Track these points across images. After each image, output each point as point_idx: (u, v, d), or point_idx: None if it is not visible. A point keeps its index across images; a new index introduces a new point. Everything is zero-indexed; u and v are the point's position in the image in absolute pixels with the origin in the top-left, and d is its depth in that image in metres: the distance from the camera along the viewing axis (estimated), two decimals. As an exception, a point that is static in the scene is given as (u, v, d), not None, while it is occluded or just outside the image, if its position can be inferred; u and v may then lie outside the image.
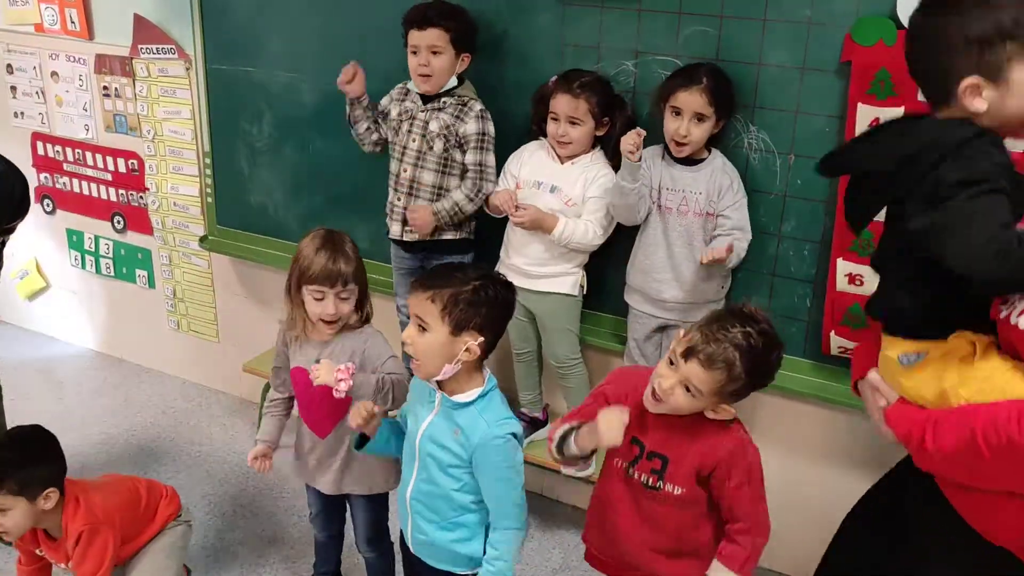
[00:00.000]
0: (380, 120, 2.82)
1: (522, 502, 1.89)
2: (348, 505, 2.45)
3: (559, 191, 2.59)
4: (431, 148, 2.68)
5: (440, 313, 1.78)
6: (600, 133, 2.56)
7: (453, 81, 2.65)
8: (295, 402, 2.39)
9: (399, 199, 2.77)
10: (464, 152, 2.67)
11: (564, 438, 1.89)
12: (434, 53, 2.58)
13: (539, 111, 2.60)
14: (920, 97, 1.62)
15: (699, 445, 1.82)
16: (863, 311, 1.90)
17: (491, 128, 2.66)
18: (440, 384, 1.88)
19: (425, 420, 1.91)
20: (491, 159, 2.67)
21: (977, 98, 1.42)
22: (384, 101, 2.81)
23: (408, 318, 2.84)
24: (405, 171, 2.74)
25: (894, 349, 1.60)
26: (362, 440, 2.02)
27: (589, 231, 2.56)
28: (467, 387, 1.87)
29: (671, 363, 1.76)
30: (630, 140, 2.34)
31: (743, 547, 1.85)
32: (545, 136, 2.63)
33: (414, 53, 2.61)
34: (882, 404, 1.65)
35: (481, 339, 1.80)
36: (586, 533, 2.08)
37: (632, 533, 1.92)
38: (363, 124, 2.80)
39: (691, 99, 2.32)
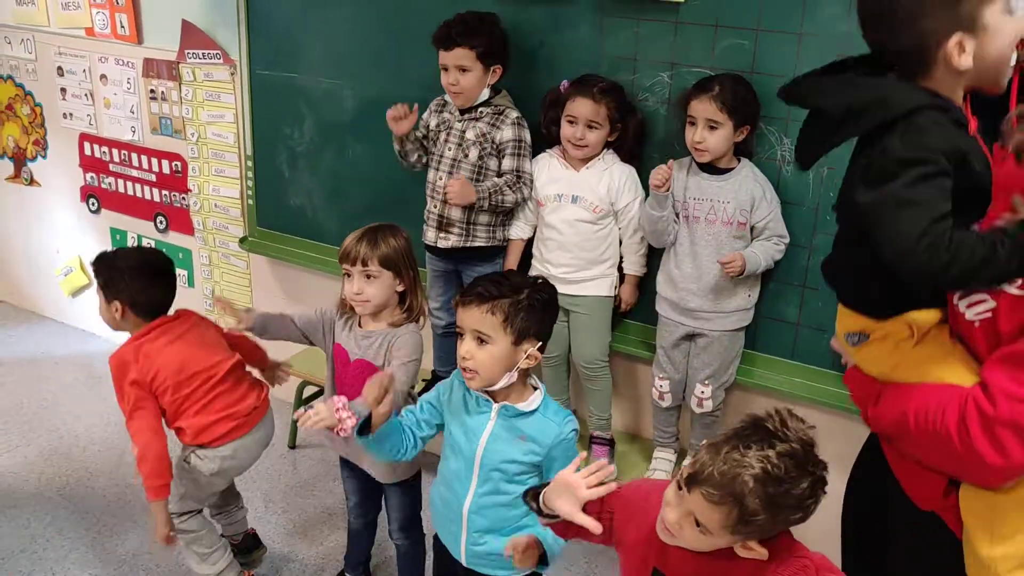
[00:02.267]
0: (424, 140, 2.87)
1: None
2: (383, 494, 2.51)
3: (581, 199, 2.63)
4: (466, 156, 2.73)
5: (502, 324, 1.80)
6: (611, 139, 2.61)
7: (486, 93, 2.70)
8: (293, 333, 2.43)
9: (435, 206, 2.83)
10: (500, 159, 2.71)
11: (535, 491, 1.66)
12: (462, 71, 2.63)
13: (549, 115, 2.64)
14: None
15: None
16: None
17: (527, 136, 2.70)
18: (492, 394, 1.90)
19: (483, 433, 1.91)
20: (528, 165, 2.71)
21: (963, 54, 1.41)
22: (425, 115, 2.86)
23: (443, 323, 2.96)
24: (440, 179, 2.79)
25: (843, 324, 1.66)
26: (363, 428, 1.91)
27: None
28: (524, 394, 1.89)
29: (679, 487, 1.41)
30: (660, 175, 2.41)
31: None
32: (551, 145, 2.69)
33: (444, 70, 2.66)
34: (844, 363, 1.75)
35: (540, 344, 1.85)
36: None
37: None
38: (413, 156, 2.85)
39: (702, 107, 2.36)
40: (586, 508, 1.54)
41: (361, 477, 2.49)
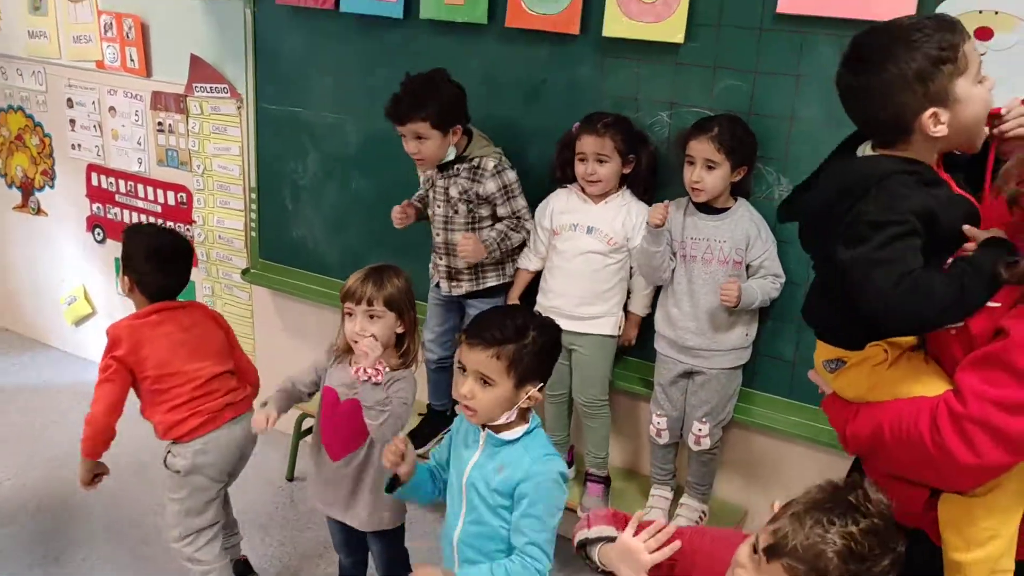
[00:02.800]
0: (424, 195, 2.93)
1: (547, 546, 1.86)
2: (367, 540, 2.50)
3: (597, 231, 2.65)
4: (456, 212, 2.76)
5: (506, 369, 1.81)
6: (627, 171, 2.62)
7: (452, 153, 2.72)
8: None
9: (441, 259, 2.87)
10: (494, 207, 2.75)
11: (589, 543, 1.72)
12: (420, 140, 2.65)
13: (563, 156, 2.68)
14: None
15: None
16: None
17: (511, 176, 2.72)
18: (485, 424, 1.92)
19: (470, 461, 1.93)
20: (521, 202, 2.75)
21: (938, 125, 1.50)
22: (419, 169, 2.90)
23: (436, 358, 2.98)
24: (438, 235, 2.84)
25: (821, 355, 1.73)
26: (393, 483, 2.01)
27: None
28: (514, 426, 1.90)
29: (754, 551, 1.41)
30: (658, 213, 2.44)
31: None
32: (567, 183, 2.71)
33: (404, 139, 2.68)
34: (821, 392, 1.81)
35: (541, 385, 1.86)
36: None
37: None
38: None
39: (701, 147, 2.40)
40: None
41: (341, 524, 2.49)
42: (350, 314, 2.25)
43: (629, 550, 1.55)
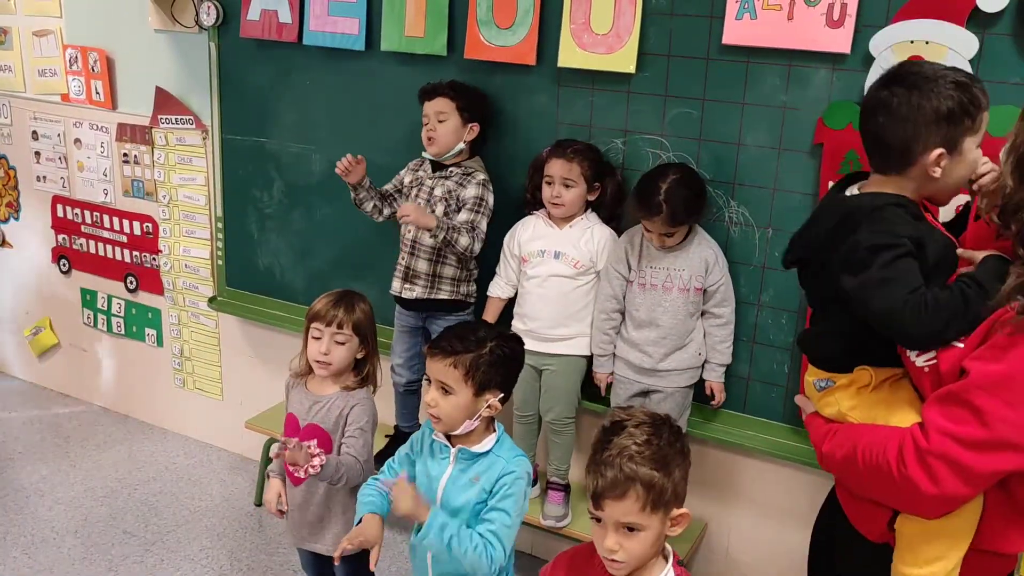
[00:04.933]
0: (394, 195, 2.99)
1: (506, 540, 1.92)
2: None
3: (564, 255, 2.72)
4: (432, 211, 2.82)
5: (463, 377, 1.92)
6: (591, 198, 2.71)
7: (460, 146, 2.82)
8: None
9: (403, 258, 2.93)
10: (459, 212, 2.81)
11: None
12: (440, 121, 2.77)
13: (534, 180, 2.76)
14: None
15: None
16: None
17: (490, 198, 2.81)
18: (451, 438, 2.00)
19: (443, 476, 2.00)
20: (483, 224, 2.80)
21: (938, 167, 1.64)
22: (401, 171, 2.99)
23: (403, 381, 3.04)
24: (409, 232, 2.90)
25: (811, 375, 1.82)
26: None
27: None
28: (482, 438, 2.00)
29: (598, 522, 1.58)
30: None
31: None
32: (535, 207, 2.79)
33: (425, 121, 2.80)
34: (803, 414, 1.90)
35: (501, 395, 1.95)
36: None
37: None
38: (368, 204, 2.95)
39: (654, 226, 2.50)
40: None
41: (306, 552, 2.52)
42: (317, 337, 2.31)
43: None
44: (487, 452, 1.99)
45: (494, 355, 1.95)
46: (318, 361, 2.31)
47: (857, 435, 1.65)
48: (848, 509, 1.78)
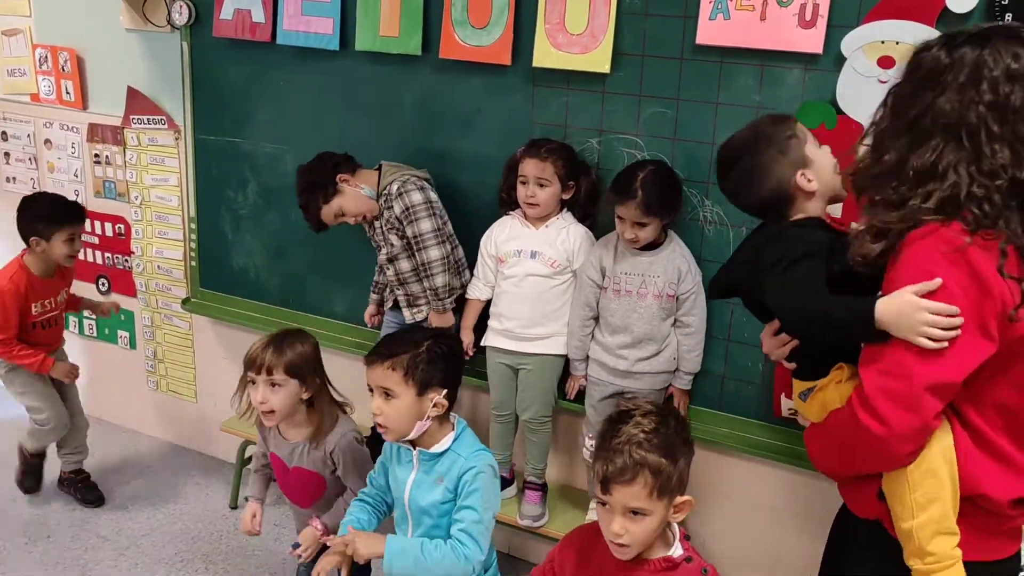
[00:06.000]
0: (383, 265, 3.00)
1: (479, 537, 1.93)
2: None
3: (540, 255, 2.73)
4: (393, 245, 2.83)
5: (403, 379, 1.92)
6: (566, 197, 2.72)
7: (367, 191, 2.85)
8: None
9: (398, 289, 2.92)
10: (405, 229, 2.80)
11: None
12: (339, 216, 2.87)
13: (509, 180, 2.76)
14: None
15: None
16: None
17: (416, 197, 2.76)
18: (412, 441, 2.00)
19: (408, 480, 2.01)
20: (425, 225, 2.76)
21: (810, 181, 1.86)
22: (366, 227, 2.99)
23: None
24: (389, 270, 2.90)
25: (797, 389, 1.92)
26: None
27: None
28: (440, 437, 1.99)
29: (604, 505, 1.65)
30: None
31: None
32: (511, 207, 2.79)
33: (338, 220, 2.89)
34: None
35: (445, 391, 1.94)
36: None
37: None
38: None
39: (628, 211, 2.49)
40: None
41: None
42: (253, 382, 2.26)
43: None
44: (447, 451, 1.99)
45: (431, 353, 1.95)
46: (261, 411, 2.26)
47: (831, 423, 1.72)
48: (845, 496, 1.84)
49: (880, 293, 1.59)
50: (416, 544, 1.92)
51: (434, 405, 1.95)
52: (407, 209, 2.76)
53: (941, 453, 1.58)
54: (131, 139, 3.66)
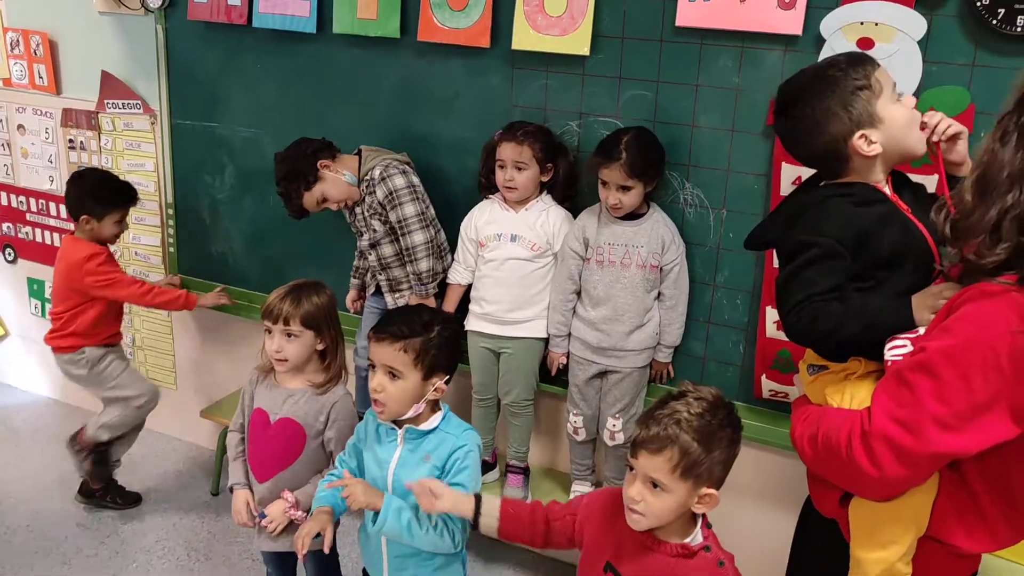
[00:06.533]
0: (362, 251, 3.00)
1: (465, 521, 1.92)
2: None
3: (520, 239, 2.72)
4: (375, 231, 2.82)
5: (413, 362, 1.91)
6: (545, 179, 2.71)
7: (349, 177, 2.81)
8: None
9: (380, 274, 2.91)
10: (389, 217, 2.79)
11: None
12: (323, 201, 2.83)
13: (488, 164, 2.74)
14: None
15: None
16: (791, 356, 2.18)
17: (398, 181, 2.75)
18: (396, 422, 1.99)
19: (392, 459, 1.99)
20: (409, 209, 2.75)
21: (871, 144, 1.67)
22: (345, 212, 2.97)
23: (366, 364, 3.02)
24: (371, 255, 2.88)
25: (808, 359, 1.83)
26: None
27: None
28: (427, 417, 1.99)
29: (631, 470, 1.64)
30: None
31: None
32: (490, 191, 2.78)
33: (321, 206, 2.86)
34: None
35: (447, 377, 1.94)
36: None
37: None
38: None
39: (612, 174, 2.48)
40: (554, 515, 1.80)
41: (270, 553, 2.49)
42: (269, 331, 2.28)
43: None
44: (434, 429, 1.98)
45: (442, 338, 1.94)
46: (275, 359, 2.28)
47: (822, 417, 1.65)
48: (810, 486, 1.81)
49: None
50: (410, 509, 1.91)
51: (435, 389, 1.95)
52: (390, 194, 2.75)
53: (916, 507, 1.56)
54: (106, 124, 3.61)
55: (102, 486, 3.39)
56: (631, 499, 1.61)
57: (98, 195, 3.16)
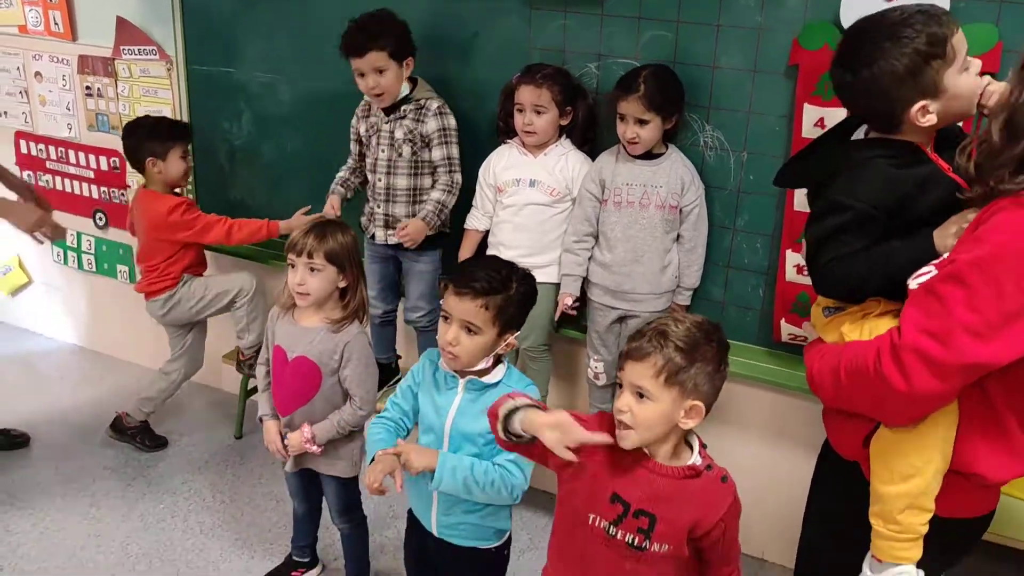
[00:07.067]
0: (362, 151, 2.95)
1: (525, 467, 1.93)
2: (322, 482, 2.57)
3: (539, 183, 2.70)
4: (400, 155, 2.80)
5: (492, 318, 1.89)
6: (564, 122, 2.68)
7: (406, 87, 2.77)
8: None
9: (378, 206, 2.90)
10: (430, 150, 2.79)
11: (512, 413, 1.71)
12: (379, 72, 2.70)
13: (506, 107, 2.72)
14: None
15: (693, 504, 1.65)
16: (810, 299, 2.13)
17: (452, 122, 2.78)
18: (459, 371, 1.98)
19: (451, 408, 1.99)
20: (456, 151, 2.79)
21: (927, 115, 1.62)
22: (353, 121, 2.94)
23: (379, 312, 3.04)
24: (380, 180, 2.86)
25: (822, 302, 1.82)
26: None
27: None
28: (491, 369, 1.98)
29: (620, 386, 1.66)
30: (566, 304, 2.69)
31: None
32: (509, 135, 2.75)
33: (361, 76, 2.72)
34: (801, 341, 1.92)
35: (518, 332, 1.95)
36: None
37: None
38: (357, 182, 2.98)
39: (630, 107, 2.45)
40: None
41: (298, 471, 2.55)
42: (292, 265, 2.31)
43: (562, 423, 1.62)
44: (497, 383, 1.97)
45: (519, 294, 1.93)
46: (297, 292, 2.31)
47: (843, 351, 1.64)
48: (829, 428, 1.81)
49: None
50: (467, 464, 1.92)
51: (506, 344, 1.94)
52: (444, 130, 2.77)
53: (941, 434, 1.55)
54: (122, 71, 3.60)
55: (138, 425, 3.49)
56: (618, 410, 1.61)
57: (155, 134, 3.18)
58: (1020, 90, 1.40)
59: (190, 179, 3.37)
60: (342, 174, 3.00)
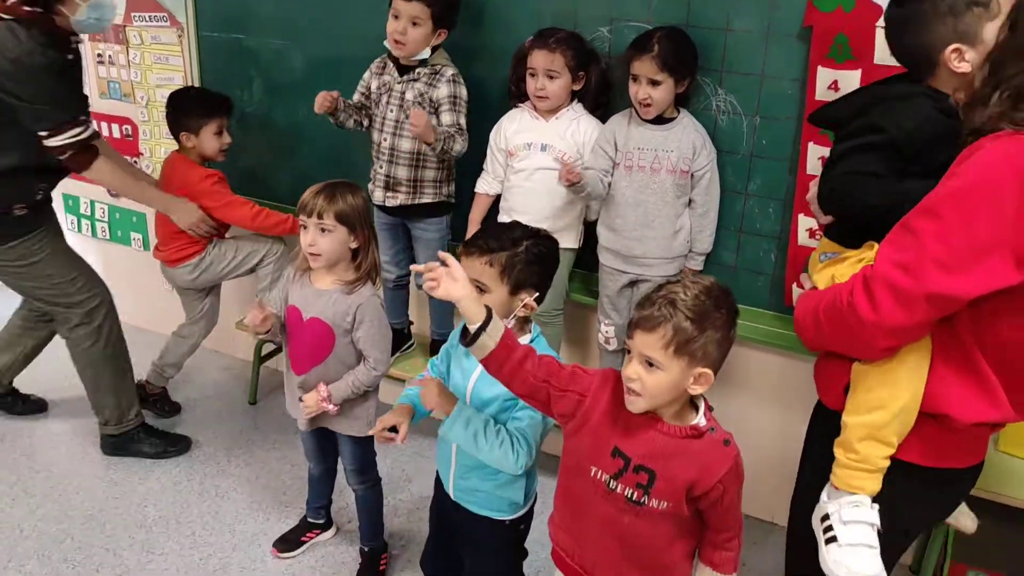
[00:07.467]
0: (364, 104, 2.94)
1: (533, 440, 1.94)
2: (337, 443, 2.60)
3: (550, 148, 2.70)
4: (408, 117, 2.78)
5: (499, 276, 1.90)
6: (577, 87, 2.67)
7: (427, 52, 2.76)
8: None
9: (381, 167, 2.90)
10: (439, 116, 2.78)
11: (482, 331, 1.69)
12: (413, 24, 2.69)
13: (518, 71, 2.71)
14: (877, 60, 2.00)
15: (693, 463, 1.66)
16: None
17: (463, 92, 2.78)
18: None
19: (474, 373, 2.00)
20: (464, 120, 2.79)
21: (962, 61, 1.64)
22: (365, 76, 2.93)
23: (392, 277, 3.05)
24: (385, 140, 2.86)
25: (822, 248, 1.85)
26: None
27: None
28: (516, 334, 1.94)
29: (627, 352, 1.67)
30: (571, 175, 2.50)
31: (733, 551, 1.80)
32: (521, 100, 2.75)
33: (395, 18, 2.71)
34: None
35: (536, 294, 1.94)
36: (554, 531, 1.92)
37: (607, 547, 1.79)
38: (349, 122, 2.92)
39: (643, 67, 2.45)
40: (556, 382, 1.74)
41: (313, 431, 2.58)
42: (304, 227, 2.32)
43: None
44: None
45: (530, 253, 1.92)
46: (309, 253, 2.32)
47: (824, 292, 1.67)
48: (816, 378, 1.83)
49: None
50: (480, 421, 1.93)
51: (524, 305, 1.94)
52: (454, 97, 2.77)
53: (910, 370, 1.56)
54: (133, 38, 3.60)
55: (159, 392, 3.54)
56: (628, 378, 1.62)
57: (190, 109, 3.18)
58: (1002, 31, 1.49)
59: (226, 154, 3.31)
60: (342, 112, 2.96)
